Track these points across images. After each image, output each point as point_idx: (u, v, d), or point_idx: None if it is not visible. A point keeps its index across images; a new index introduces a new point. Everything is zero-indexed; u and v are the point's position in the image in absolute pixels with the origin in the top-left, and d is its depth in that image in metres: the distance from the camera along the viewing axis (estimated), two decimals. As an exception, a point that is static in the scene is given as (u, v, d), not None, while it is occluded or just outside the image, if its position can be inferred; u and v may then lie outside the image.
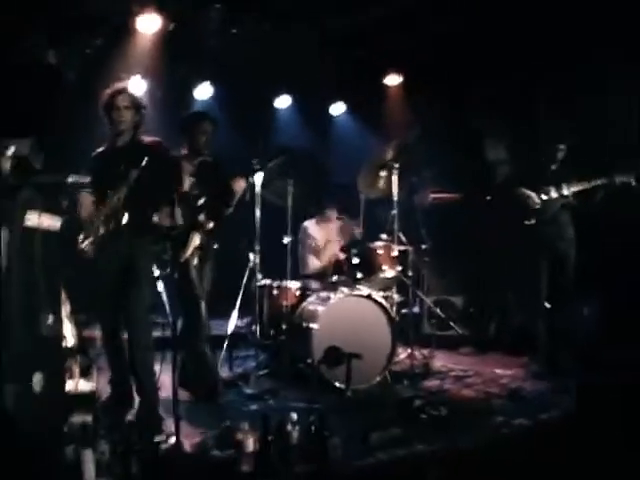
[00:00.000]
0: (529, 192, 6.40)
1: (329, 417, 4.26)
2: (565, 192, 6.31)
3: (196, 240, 5.43)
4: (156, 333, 6.65)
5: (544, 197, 6.36)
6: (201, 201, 5.51)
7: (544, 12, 6.84)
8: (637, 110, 7.05)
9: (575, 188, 6.30)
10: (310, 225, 7.19)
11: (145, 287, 4.57)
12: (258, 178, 6.16)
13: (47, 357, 3.62)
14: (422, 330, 7.76)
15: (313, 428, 4.16)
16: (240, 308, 6.65)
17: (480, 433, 4.69)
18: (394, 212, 6.60)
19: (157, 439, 4.23)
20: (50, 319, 3.66)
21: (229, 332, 6.43)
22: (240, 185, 5.84)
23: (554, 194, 6.35)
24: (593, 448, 4.29)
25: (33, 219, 3.59)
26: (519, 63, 7.67)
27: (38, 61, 6.72)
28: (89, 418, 3.87)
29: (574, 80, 7.42)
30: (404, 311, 7.12)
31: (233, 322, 6.50)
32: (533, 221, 6.37)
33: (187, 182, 5.46)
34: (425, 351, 7.02)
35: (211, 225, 5.58)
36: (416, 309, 7.62)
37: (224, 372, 6.26)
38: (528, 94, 7.97)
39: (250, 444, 4.07)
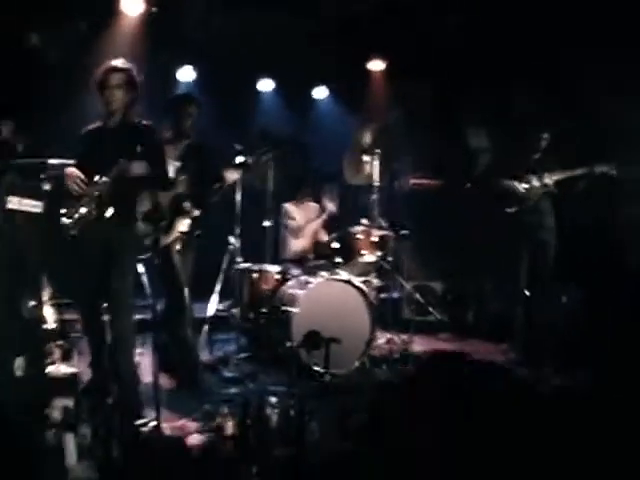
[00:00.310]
0: (512, 183, 6.43)
1: (308, 401, 4.32)
2: (547, 181, 6.35)
3: (180, 226, 5.44)
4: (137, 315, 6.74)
5: (526, 186, 6.40)
6: (184, 186, 5.48)
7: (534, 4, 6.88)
8: (621, 100, 7.10)
9: (557, 177, 6.34)
10: (289, 206, 7.23)
11: (128, 271, 4.56)
12: (239, 160, 6.16)
13: (29, 341, 3.62)
14: (401, 315, 7.82)
15: (292, 412, 4.23)
16: (220, 291, 6.67)
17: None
18: (374, 197, 6.63)
19: (138, 423, 4.29)
20: (31, 302, 3.67)
21: (209, 315, 6.44)
22: (232, 176, 5.81)
23: (536, 183, 6.39)
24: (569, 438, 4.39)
25: (14, 202, 3.58)
26: (502, 51, 7.69)
27: (20, 43, 6.66)
28: (70, 402, 3.88)
29: (558, 69, 7.45)
30: (383, 296, 7.18)
31: (213, 305, 6.52)
32: (514, 209, 6.41)
33: (172, 167, 5.43)
34: (404, 336, 7.07)
35: (196, 213, 5.55)
36: (395, 294, 7.69)
37: (204, 355, 6.27)
38: (510, 83, 8.00)
39: (229, 428, 4.12)
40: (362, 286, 6.00)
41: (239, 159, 5.99)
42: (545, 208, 6.47)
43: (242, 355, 6.23)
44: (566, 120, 6.93)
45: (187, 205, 5.49)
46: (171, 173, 5.37)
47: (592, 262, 6.93)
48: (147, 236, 4.95)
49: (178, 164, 5.50)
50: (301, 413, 4.16)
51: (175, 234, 5.43)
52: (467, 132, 8.74)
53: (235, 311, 6.35)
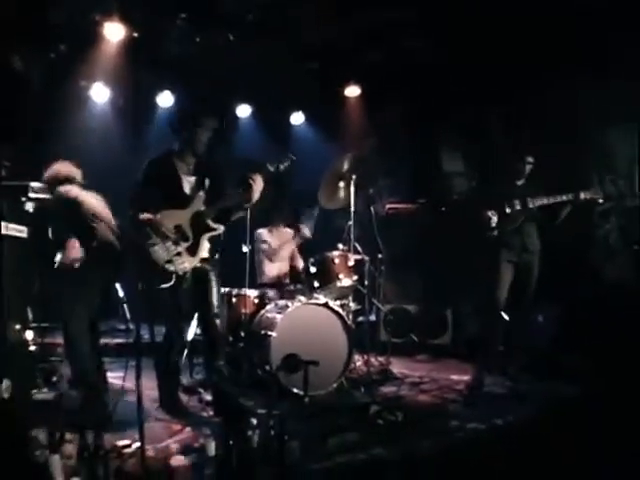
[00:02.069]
0: (489, 213, 6.44)
1: (288, 422, 4.38)
2: (530, 206, 6.40)
3: (206, 246, 5.46)
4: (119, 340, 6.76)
5: (508, 211, 6.41)
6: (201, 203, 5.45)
7: (506, 26, 7.06)
8: (606, 126, 7.27)
9: (540, 202, 6.38)
10: (263, 232, 7.41)
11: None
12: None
13: (14, 363, 3.65)
14: (378, 337, 7.90)
15: (273, 433, 4.30)
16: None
17: (435, 438, 4.82)
18: (350, 223, 6.74)
19: (121, 444, 4.33)
20: (17, 326, 3.70)
21: (189, 339, 6.48)
22: (258, 181, 5.62)
23: (518, 207, 6.42)
24: (548, 452, 4.51)
25: (1, 227, 3.62)
26: (479, 75, 7.89)
27: (4, 67, 6.72)
28: (55, 424, 3.92)
29: (534, 93, 7.62)
30: (360, 319, 7.27)
31: (193, 329, 6.56)
32: (495, 233, 6.41)
33: (186, 183, 5.47)
34: (381, 358, 7.17)
35: (221, 229, 5.53)
36: (372, 317, 7.78)
37: (185, 378, 6.32)
38: (487, 106, 8.16)
39: (212, 449, 4.18)
40: (339, 309, 6.09)
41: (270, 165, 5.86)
42: (529, 231, 6.46)
43: (222, 377, 6.28)
44: (545, 144, 7.06)
45: (211, 222, 5.45)
46: (187, 190, 5.45)
47: (568, 280, 7.07)
48: (172, 259, 5.14)
49: (192, 179, 5.50)
50: (281, 433, 4.23)
51: (203, 254, 5.44)
52: (442, 156, 8.88)
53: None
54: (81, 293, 4.98)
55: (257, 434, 4.22)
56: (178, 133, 5.57)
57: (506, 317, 6.64)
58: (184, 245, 5.30)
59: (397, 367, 7.21)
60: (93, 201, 5.36)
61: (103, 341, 7.29)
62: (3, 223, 3.64)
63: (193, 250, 5.34)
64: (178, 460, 4.27)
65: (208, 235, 5.43)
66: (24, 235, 3.92)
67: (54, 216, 4.99)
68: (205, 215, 5.40)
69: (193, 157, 5.53)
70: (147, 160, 5.49)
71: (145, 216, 5.21)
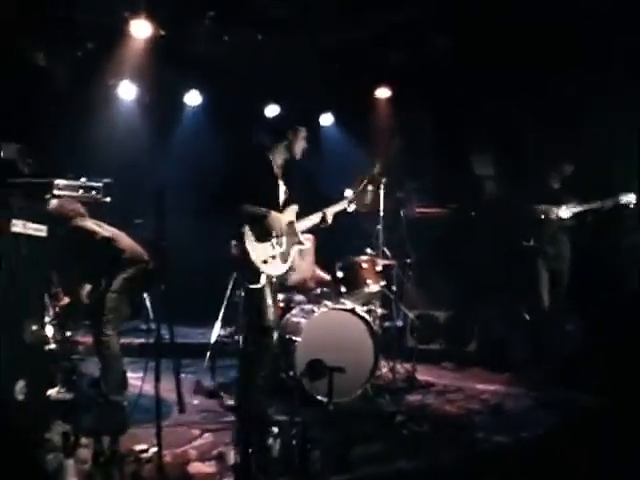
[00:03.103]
0: (546, 207, 6.37)
1: (310, 430, 4.27)
2: (565, 215, 6.31)
3: (292, 258, 5.39)
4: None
5: (552, 216, 6.35)
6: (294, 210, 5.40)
7: (538, 30, 6.89)
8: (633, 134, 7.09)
9: (576, 210, 6.31)
10: None
11: None
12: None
13: (30, 364, 3.57)
14: (405, 344, 7.74)
15: (294, 442, 4.19)
16: (224, 318, 6.63)
17: (460, 450, 4.69)
18: (379, 227, 6.61)
19: (138, 449, 4.23)
20: (34, 326, 3.63)
21: (212, 341, 6.39)
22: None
23: (556, 214, 6.34)
24: (571, 468, 4.35)
25: (19, 226, 3.55)
26: (513, 78, 7.72)
27: (27, 64, 6.68)
28: (70, 426, 3.84)
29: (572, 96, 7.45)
30: (387, 324, 7.14)
31: (216, 331, 6.47)
32: (532, 242, 6.38)
33: (282, 192, 5.37)
34: (407, 365, 7.03)
35: (307, 244, 5.58)
36: (399, 322, 7.62)
37: (206, 381, 6.23)
38: (519, 111, 8.00)
39: (231, 457, 4.07)
40: (366, 315, 5.96)
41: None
42: (561, 238, 6.43)
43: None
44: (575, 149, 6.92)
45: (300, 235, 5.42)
46: (281, 194, 5.35)
47: (597, 288, 6.91)
48: (267, 260, 5.05)
49: (283, 186, 5.39)
50: (303, 443, 4.12)
51: (289, 264, 5.37)
52: (472, 159, 8.72)
53: (238, 337, 6.28)
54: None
55: (278, 443, 4.13)
56: (280, 134, 5.35)
57: (526, 316, 6.55)
58: (278, 250, 5.20)
59: (423, 374, 7.05)
60: (107, 227, 5.50)
61: (125, 341, 7.35)
62: (21, 222, 3.56)
63: (284, 258, 5.26)
64: (196, 467, 4.19)
65: (297, 248, 5.42)
66: (43, 234, 3.82)
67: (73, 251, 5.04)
68: (297, 227, 5.37)
69: (284, 163, 5.38)
70: (237, 152, 5.57)
71: (261, 211, 5.08)
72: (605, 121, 7.13)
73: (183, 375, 6.71)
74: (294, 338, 5.72)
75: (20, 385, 3.51)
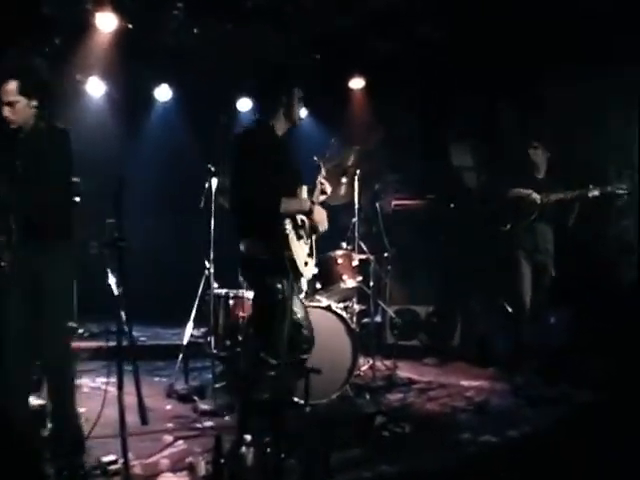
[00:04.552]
0: (526, 191, 6.23)
1: (287, 434, 4.09)
2: (546, 200, 6.18)
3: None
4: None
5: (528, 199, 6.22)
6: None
7: (518, 13, 6.77)
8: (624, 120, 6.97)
9: (556, 197, 6.17)
10: None
11: None
12: (214, 183, 5.91)
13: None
14: (384, 340, 7.57)
15: (268, 450, 3.98)
16: (196, 317, 6.40)
17: (445, 452, 4.52)
18: (354, 220, 6.41)
19: (105, 460, 4.02)
20: None
21: (184, 343, 6.17)
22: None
23: (537, 201, 6.21)
24: (563, 467, 4.18)
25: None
26: (487, 66, 7.57)
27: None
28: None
29: (555, 85, 7.29)
30: (365, 320, 6.96)
31: (188, 332, 6.25)
32: (509, 226, 6.25)
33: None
34: (387, 362, 6.86)
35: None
36: (378, 318, 7.45)
37: (179, 385, 6.02)
38: (498, 100, 7.85)
39: (202, 468, 3.87)
40: (343, 313, 5.75)
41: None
42: (542, 231, 6.30)
43: (219, 384, 5.95)
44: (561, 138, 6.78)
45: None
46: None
47: (582, 279, 6.78)
48: (307, 260, 4.34)
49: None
50: (278, 451, 3.92)
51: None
52: (450, 150, 8.55)
53: (210, 338, 6.06)
54: None
55: (251, 451, 3.92)
56: (272, 97, 4.33)
57: (509, 309, 6.41)
58: (309, 246, 4.42)
59: (404, 371, 6.91)
60: None
61: (97, 344, 7.12)
62: None
63: (311, 252, 4.48)
64: (167, 478, 3.98)
65: (316, 236, 4.52)
66: None
67: None
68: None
69: (286, 131, 4.42)
70: (241, 132, 4.40)
71: (304, 204, 4.30)
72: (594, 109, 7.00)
73: (157, 379, 6.60)
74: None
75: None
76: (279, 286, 4.12)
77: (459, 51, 7.69)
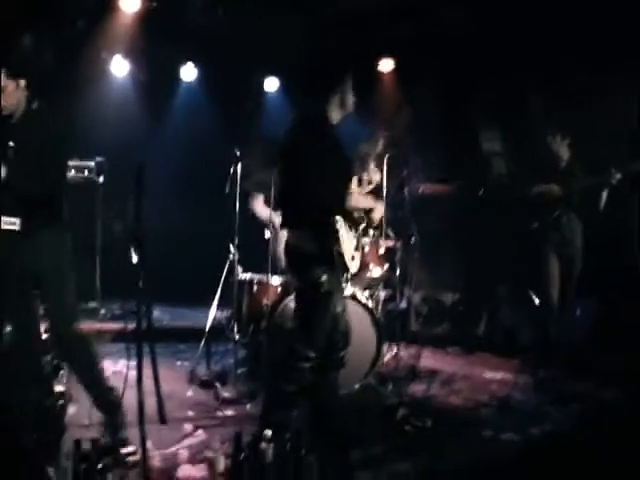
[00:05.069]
0: (546, 185, 6.13)
1: (306, 433, 4.06)
2: (567, 191, 6.07)
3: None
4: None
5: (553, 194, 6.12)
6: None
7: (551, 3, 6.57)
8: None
9: (580, 185, 6.06)
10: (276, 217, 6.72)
11: None
12: (239, 168, 5.84)
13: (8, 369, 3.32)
14: (409, 327, 7.49)
15: (289, 446, 3.94)
16: (221, 299, 6.35)
17: (465, 451, 4.45)
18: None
19: (124, 451, 4.00)
20: (7, 329, 3.36)
21: (207, 328, 6.13)
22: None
23: (558, 192, 6.11)
24: (588, 466, 4.11)
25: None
26: (519, 55, 7.39)
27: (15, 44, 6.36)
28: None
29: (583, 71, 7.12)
30: (390, 307, 6.89)
31: (211, 317, 6.20)
32: (535, 225, 6.16)
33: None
34: (411, 350, 6.80)
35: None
36: (403, 305, 7.37)
37: (201, 370, 6.00)
38: (527, 85, 7.66)
39: (221, 463, 3.84)
40: (368, 302, 5.68)
41: None
42: (569, 223, 6.18)
43: (241, 370, 5.94)
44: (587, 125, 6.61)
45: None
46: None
47: (608, 270, 6.65)
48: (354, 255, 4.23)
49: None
50: (298, 448, 3.87)
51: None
52: (480, 135, 8.39)
53: (233, 324, 6.03)
54: None
55: (271, 447, 3.88)
56: (325, 87, 4.16)
57: (536, 300, 6.30)
58: (355, 239, 4.30)
59: (428, 360, 6.84)
60: None
61: (118, 326, 7.11)
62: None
63: (357, 246, 4.37)
64: (185, 471, 3.96)
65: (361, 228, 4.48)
66: (16, 227, 3.53)
67: None
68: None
69: (340, 120, 4.25)
70: (295, 123, 4.23)
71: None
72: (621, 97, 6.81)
73: (178, 362, 6.58)
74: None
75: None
76: (324, 279, 4.03)
77: (489, 34, 7.53)
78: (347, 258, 4.10)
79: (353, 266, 4.24)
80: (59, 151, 4.04)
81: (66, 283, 4.09)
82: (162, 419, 3.35)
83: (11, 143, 3.82)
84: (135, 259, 3.89)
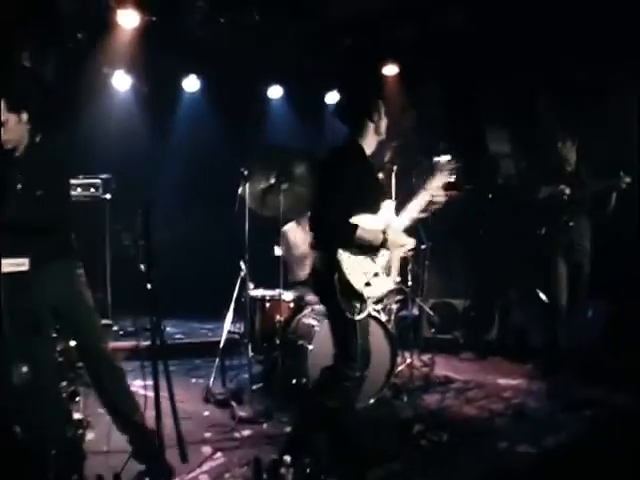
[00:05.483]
0: (553, 187, 6.13)
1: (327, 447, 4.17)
2: (581, 194, 6.07)
3: (397, 265, 4.39)
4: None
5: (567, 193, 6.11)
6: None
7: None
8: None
9: (589, 190, 6.06)
10: (290, 229, 6.59)
11: None
12: (247, 186, 5.85)
13: (23, 411, 3.34)
14: (421, 334, 7.48)
15: (308, 471, 3.97)
16: (233, 314, 6.36)
17: (481, 463, 4.47)
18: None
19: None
20: (23, 368, 3.37)
21: (221, 345, 6.14)
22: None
23: (567, 192, 6.11)
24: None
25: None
26: (523, 56, 7.37)
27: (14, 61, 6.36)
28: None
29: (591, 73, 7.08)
30: (403, 313, 6.90)
31: (225, 332, 6.21)
32: (543, 231, 6.16)
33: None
34: (425, 357, 6.83)
35: (412, 244, 4.43)
36: (415, 311, 7.36)
37: (216, 388, 6.01)
38: (532, 88, 7.64)
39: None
40: (381, 316, 5.71)
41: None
42: (578, 227, 6.18)
43: (256, 386, 5.96)
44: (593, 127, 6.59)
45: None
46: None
47: (619, 271, 6.62)
48: (370, 281, 4.11)
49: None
50: (317, 472, 3.91)
51: (395, 274, 4.40)
52: (487, 136, 8.36)
53: (247, 341, 6.05)
54: None
55: (291, 473, 3.90)
56: (362, 117, 4.22)
57: (545, 299, 6.30)
58: (380, 263, 4.20)
59: (441, 367, 6.88)
60: None
61: (132, 344, 7.12)
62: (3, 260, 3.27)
63: (388, 269, 4.28)
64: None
65: (401, 250, 4.34)
66: (24, 266, 3.52)
67: None
68: (396, 226, 4.30)
69: (375, 147, 4.35)
70: (333, 148, 4.27)
71: (377, 235, 4.09)
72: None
73: (193, 380, 6.60)
74: (306, 345, 5.46)
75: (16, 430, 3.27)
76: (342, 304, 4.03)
77: (496, 35, 7.50)
78: (355, 283, 4.03)
79: (371, 291, 4.11)
80: (64, 181, 4.07)
81: (86, 307, 4.12)
82: (183, 459, 3.37)
83: (19, 177, 3.83)
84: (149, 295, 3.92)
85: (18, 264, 3.43)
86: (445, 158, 4.54)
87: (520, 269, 7.14)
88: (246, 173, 5.83)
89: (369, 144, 4.26)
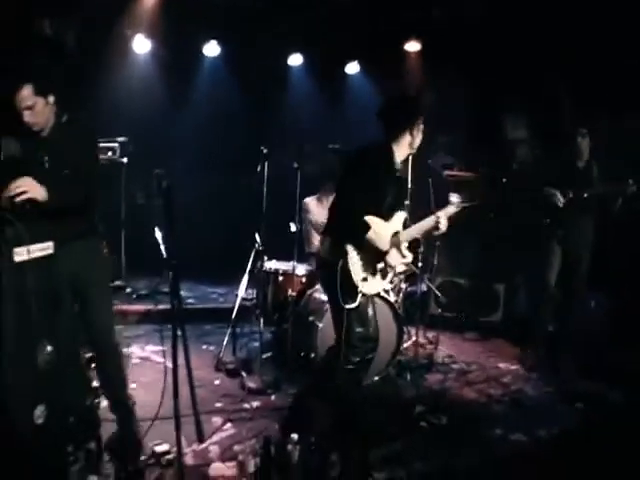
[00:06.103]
0: (553, 191, 6.21)
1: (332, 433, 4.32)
2: (587, 194, 6.16)
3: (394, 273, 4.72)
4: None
5: (562, 200, 6.20)
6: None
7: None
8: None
9: (594, 191, 6.14)
10: (310, 201, 6.86)
11: None
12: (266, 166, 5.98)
13: (47, 389, 3.49)
14: (428, 310, 7.63)
15: (313, 448, 4.20)
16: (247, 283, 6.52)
17: (477, 450, 4.66)
18: (407, 202, 6.39)
19: (160, 450, 4.22)
20: (48, 349, 3.50)
21: (233, 315, 6.32)
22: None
23: (559, 204, 6.20)
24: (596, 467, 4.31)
25: (22, 254, 3.34)
26: (544, 36, 7.38)
27: (34, 35, 6.39)
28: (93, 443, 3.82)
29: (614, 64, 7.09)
30: (411, 289, 7.06)
31: (237, 305, 6.38)
32: (548, 221, 6.28)
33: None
34: (430, 334, 7.00)
35: (410, 259, 4.71)
36: (423, 287, 7.50)
37: (227, 356, 6.20)
38: (556, 73, 7.66)
39: (251, 465, 4.07)
40: (391, 297, 5.87)
41: None
42: (579, 221, 6.27)
43: (266, 355, 6.17)
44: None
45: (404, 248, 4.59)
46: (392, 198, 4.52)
47: (623, 265, 6.75)
48: (367, 277, 4.36)
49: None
50: (322, 450, 4.13)
51: (389, 281, 4.73)
52: (504, 121, 8.41)
53: (259, 312, 6.23)
54: None
55: (297, 449, 4.10)
56: (401, 128, 4.40)
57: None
58: (379, 265, 4.45)
59: (445, 345, 7.08)
60: None
61: (145, 307, 7.30)
62: (24, 248, 3.35)
63: (384, 273, 4.52)
64: (217, 470, 4.18)
65: (400, 262, 4.56)
66: (50, 251, 3.60)
67: None
68: (402, 239, 4.52)
69: (405, 157, 4.54)
70: (367, 148, 4.39)
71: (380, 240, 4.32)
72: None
73: (204, 347, 6.77)
74: (316, 323, 5.64)
75: (40, 410, 3.41)
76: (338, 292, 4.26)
77: (518, 18, 7.51)
78: (355, 275, 4.26)
79: (366, 287, 4.34)
80: (91, 160, 4.12)
81: (105, 296, 4.25)
82: (200, 439, 3.54)
83: (45, 157, 3.93)
84: (159, 236, 3.98)
85: (44, 248, 3.51)
86: (457, 198, 4.80)
87: (527, 255, 7.25)
88: (265, 151, 5.93)
89: (401, 154, 4.43)
